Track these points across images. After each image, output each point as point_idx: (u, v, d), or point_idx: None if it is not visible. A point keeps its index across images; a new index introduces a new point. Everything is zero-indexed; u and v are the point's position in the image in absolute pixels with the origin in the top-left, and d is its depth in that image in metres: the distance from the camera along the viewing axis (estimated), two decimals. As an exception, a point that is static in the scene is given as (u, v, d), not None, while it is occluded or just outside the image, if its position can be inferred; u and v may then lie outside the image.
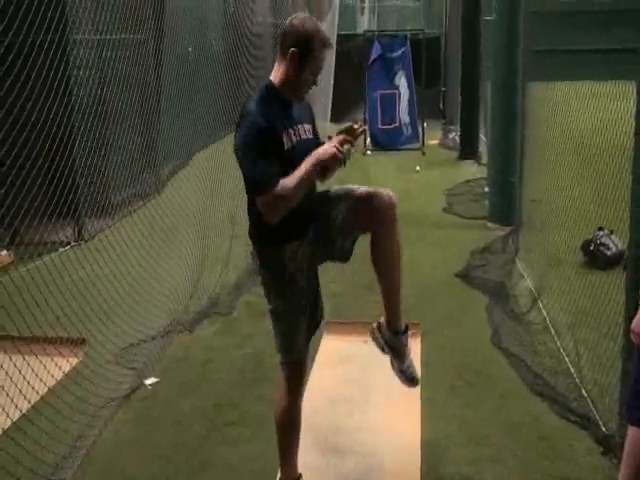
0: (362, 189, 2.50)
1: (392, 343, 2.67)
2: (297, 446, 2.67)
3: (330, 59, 11.09)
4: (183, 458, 3.07)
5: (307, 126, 2.50)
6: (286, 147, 2.36)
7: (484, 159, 8.15)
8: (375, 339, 2.72)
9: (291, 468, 2.68)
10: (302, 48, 2.34)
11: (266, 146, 2.30)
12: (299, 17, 2.42)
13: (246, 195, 2.46)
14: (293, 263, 2.46)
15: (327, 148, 2.34)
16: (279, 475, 2.73)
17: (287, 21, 2.42)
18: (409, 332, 2.68)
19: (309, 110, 2.59)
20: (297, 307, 2.50)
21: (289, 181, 2.30)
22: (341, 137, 2.39)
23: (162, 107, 5.98)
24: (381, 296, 2.63)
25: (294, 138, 2.40)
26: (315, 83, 2.45)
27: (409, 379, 2.67)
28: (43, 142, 4.03)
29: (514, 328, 4.17)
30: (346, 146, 2.36)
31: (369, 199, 2.46)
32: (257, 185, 2.33)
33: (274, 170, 2.29)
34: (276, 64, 2.45)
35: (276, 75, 2.43)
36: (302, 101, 2.52)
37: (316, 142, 2.52)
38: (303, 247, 2.48)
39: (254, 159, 2.31)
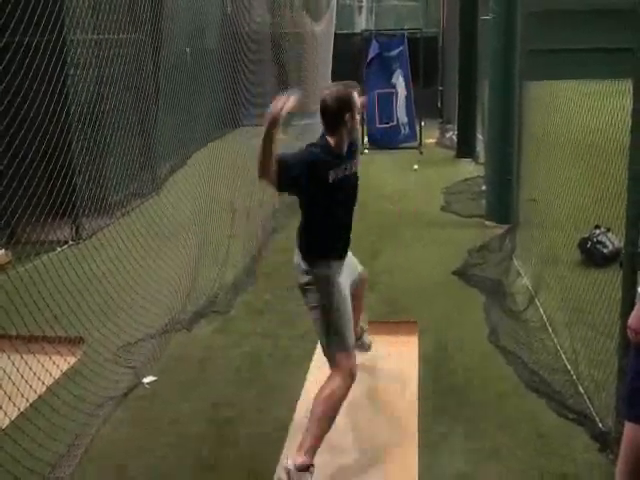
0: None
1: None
2: None
3: (328, 44, 11.09)
4: (181, 457, 3.08)
5: (354, 160, 3.04)
6: (330, 180, 2.86)
7: (481, 158, 8.16)
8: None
9: (314, 454, 2.80)
10: (350, 109, 2.87)
11: (300, 167, 2.78)
12: (332, 92, 2.87)
13: (299, 219, 3.00)
14: (337, 272, 2.98)
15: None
16: (294, 459, 2.76)
17: (325, 98, 2.86)
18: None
19: (355, 146, 3.07)
20: (344, 303, 2.95)
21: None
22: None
23: (159, 106, 5.98)
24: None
25: (340, 173, 2.90)
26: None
27: None
28: (40, 141, 4.03)
29: (511, 326, 4.18)
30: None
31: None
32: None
33: (290, 175, 2.76)
34: (328, 132, 2.91)
35: (333, 140, 2.90)
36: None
37: (356, 174, 3.06)
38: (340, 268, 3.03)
39: (292, 158, 2.83)
